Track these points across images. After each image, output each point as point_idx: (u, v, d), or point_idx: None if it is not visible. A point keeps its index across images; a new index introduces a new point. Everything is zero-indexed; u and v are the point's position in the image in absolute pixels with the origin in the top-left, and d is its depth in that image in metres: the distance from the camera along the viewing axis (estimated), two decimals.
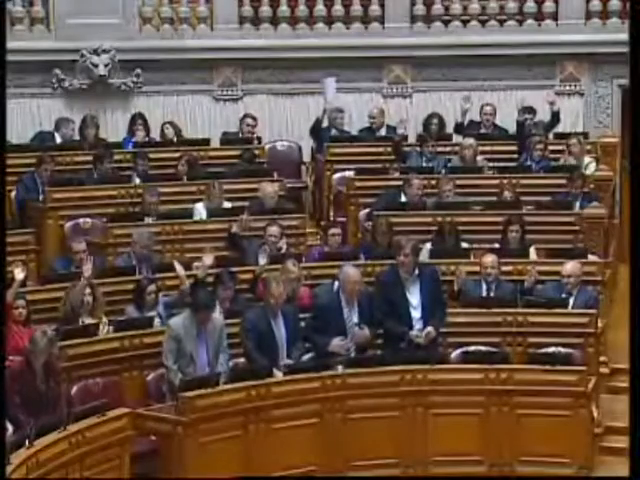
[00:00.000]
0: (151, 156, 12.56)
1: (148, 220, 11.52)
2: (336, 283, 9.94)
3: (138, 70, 13.55)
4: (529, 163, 12.64)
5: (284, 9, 13.92)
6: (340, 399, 9.50)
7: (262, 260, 10.82)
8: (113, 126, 13.57)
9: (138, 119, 13.30)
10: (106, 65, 13.38)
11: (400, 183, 12.15)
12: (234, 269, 10.56)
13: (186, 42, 13.68)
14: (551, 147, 12.99)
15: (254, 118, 13.45)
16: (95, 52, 13.35)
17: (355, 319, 9.79)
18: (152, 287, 10.09)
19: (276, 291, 9.67)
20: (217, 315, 9.60)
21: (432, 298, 9.96)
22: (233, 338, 9.87)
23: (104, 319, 9.88)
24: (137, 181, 12.21)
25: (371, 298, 9.97)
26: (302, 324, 9.98)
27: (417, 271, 9.99)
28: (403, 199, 12.06)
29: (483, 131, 13.34)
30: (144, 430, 8.87)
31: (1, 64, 9.45)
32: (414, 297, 9.95)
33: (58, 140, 12.92)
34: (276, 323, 9.69)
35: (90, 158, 12.31)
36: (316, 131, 13.34)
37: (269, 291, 9.69)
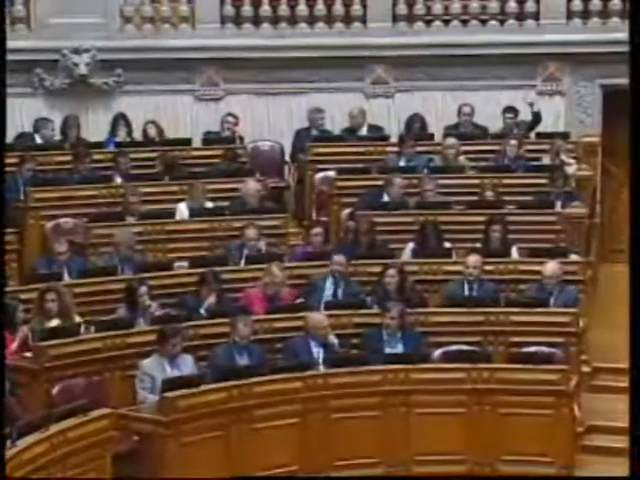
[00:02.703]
0: (133, 156, 12.53)
1: (130, 220, 11.49)
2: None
3: (119, 70, 13.51)
4: (506, 162, 12.65)
5: (266, 9, 13.90)
6: (322, 399, 9.51)
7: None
8: (94, 126, 13.52)
9: (120, 119, 13.27)
10: (87, 64, 13.33)
11: (382, 183, 12.17)
12: (217, 269, 10.57)
13: (167, 42, 13.64)
14: (533, 147, 13.02)
15: (235, 116, 13.44)
16: (76, 51, 13.31)
17: (322, 356, 9.83)
18: (143, 289, 10.02)
19: (243, 331, 9.66)
20: (187, 355, 9.56)
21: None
22: (218, 338, 9.85)
23: (77, 319, 9.84)
24: (118, 181, 12.19)
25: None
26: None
27: (400, 334, 10.04)
28: (385, 199, 12.07)
29: (462, 131, 13.37)
30: (126, 430, 8.85)
31: (1, 65, 9.41)
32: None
33: (38, 141, 12.87)
34: (241, 359, 9.67)
35: (71, 158, 12.28)
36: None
37: (235, 331, 9.67)
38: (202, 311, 10.25)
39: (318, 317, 10.01)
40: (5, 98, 9.74)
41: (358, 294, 10.80)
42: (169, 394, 8.88)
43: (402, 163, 12.80)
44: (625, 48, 13.12)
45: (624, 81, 13.43)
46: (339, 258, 10.76)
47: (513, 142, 12.65)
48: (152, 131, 13.21)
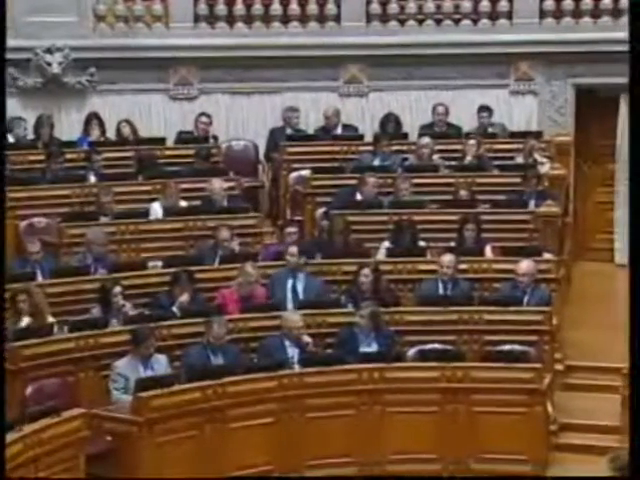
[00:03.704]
0: (106, 155, 12.49)
1: (103, 219, 11.46)
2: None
3: (93, 69, 13.47)
4: (466, 162, 12.68)
5: (240, 8, 13.88)
6: (297, 398, 9.51)
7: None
8: (67, 125, 13.47)
9: (93, 118, 13.22)
10: (60, 64, 13.28)
11: (355, 182, 12.17)
12: (192, 268, 10.55)
13: (141, 41, 13.59)
14: (506, 146, 13.07)
15: (208, 116, 13.42)
16: (49, 51, 13.25)
17: (297, 356, 9.83)
18: (118, 289, 9.98)
19: (218, 332, 9.64)
20: (161, 355, 9.55)
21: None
22: (192, 338, 9.84)
23: (50, 319, 9.80)
24: (92, 180, 12.15)
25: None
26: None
27: (373, 335, 10.04)
28: (359, 198, 12.08)
29: (437, 130, 13.40)
30: (100, 430, 8.82)
31: (1, 64, 9.37)
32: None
33: (11, 140, 12.81)
34: (215, 359, 9.66)
35: (44, 157, 12.24)
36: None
37: (210, 332, 9.65)
38: (175, 310, 10.22)
39: (293, 317, 10.00)
40: (5, 98, 9.69)
41: (319, 288, 10.80)
42: (143, 394, 8.86)
43: (377, 162, 12.82)
44: (596, 48, 13.32)
45: (597, 80, 13.62)
46: (291, 249, 10.77)
47: (472, 142, 12.70)
48: (126, 130, 13.17)
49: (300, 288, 10.74)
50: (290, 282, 10.73)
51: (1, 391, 7.70)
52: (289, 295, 10.67)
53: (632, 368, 6.25)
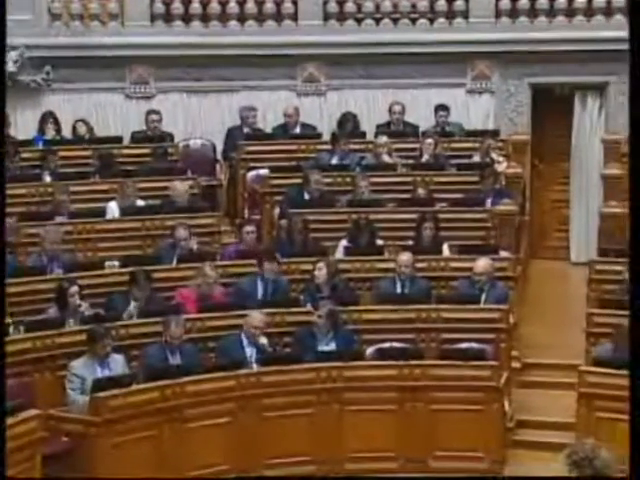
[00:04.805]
0: (62, 154, 12.42)
1: (59, 219, 11.38)
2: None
3: (48, 67, 13.38)
4: (425, 158, 12.73)
5: (196, 6, 13.86)
6: (255, 397, 9.50)
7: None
8: (23, 124, 13.37)
9: (49, 117, 13.15)
10: (15, 62, 13.19)
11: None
12: (149, 268, 10.51)
13: (97, 39, 13.52)
14: (463, 145, 13.14)
15: (158, 112, 13.37)
16: None
17: (255, 355, 9.79)
18: (74, 289, 9.91)
19: (175, 332, 9.60)
20: (118, 355, 9.48)
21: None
22: (148, 337, 9.81)
23: (6, 319, 9.71)
24: (47, 179, 12.07)
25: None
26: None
27: (332, 334, 10.03)
28: (307, 196, 12.10)
29: (393, 129, 13.44)
30: (56, 431, 8.76)
31: (1, 65, 9.26)
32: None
33: None
34: (173, 359, 9.62)
35: None
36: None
37: (168, 331, 9.60)
38: (132, 310, 10.16)
39: (256, 316, 9.95)
40: (5, 98, 9.58)
41: (288, 292, 10.79)
42: (100, 394, 8.80)
43: (335, 161, 12.84)
44: (552, 47, 13.44)
45: (553, 79, 13.72)
46: (271, 266, 10.68)
47: (429, 141, 12.74)
48: (82, 129, 13.11)
49: (270, 292, 10.70)
50: (262, 290, 10.68)
51: (1, 390, 7.62)
52: (261, 299, 10.62)
53: (632, 367, 6.26)
